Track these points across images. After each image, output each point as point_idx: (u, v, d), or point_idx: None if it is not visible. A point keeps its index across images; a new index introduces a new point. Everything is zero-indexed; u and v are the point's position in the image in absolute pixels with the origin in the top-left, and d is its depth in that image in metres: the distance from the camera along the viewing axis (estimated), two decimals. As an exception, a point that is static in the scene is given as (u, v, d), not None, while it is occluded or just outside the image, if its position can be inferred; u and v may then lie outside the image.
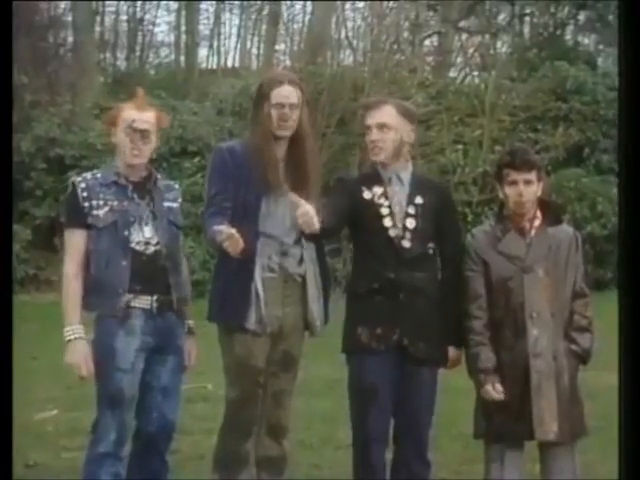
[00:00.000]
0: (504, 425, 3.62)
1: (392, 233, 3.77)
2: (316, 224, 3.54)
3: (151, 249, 3.62)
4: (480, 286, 3.69)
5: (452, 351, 3.82)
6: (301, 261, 3.84)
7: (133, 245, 3.60)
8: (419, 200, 3.82)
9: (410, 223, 3.78)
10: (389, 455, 3.85)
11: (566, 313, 3.70)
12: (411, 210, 3.80)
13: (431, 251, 3.84)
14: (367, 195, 3.81)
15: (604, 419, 5.18)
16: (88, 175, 3.71)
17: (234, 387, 3.83)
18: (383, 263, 3.75)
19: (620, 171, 3.77)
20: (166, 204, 3.73)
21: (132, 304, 3.58)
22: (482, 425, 3.73)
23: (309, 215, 3.53)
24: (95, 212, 3.60)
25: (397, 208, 3.80)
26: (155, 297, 3.61)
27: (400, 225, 3.78)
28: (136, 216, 3.63)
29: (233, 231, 3.48)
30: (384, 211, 3.78)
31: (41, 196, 13.25)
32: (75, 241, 3.64)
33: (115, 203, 3.61)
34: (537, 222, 3.72)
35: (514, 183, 3.64)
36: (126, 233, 3.59)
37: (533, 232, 3.70)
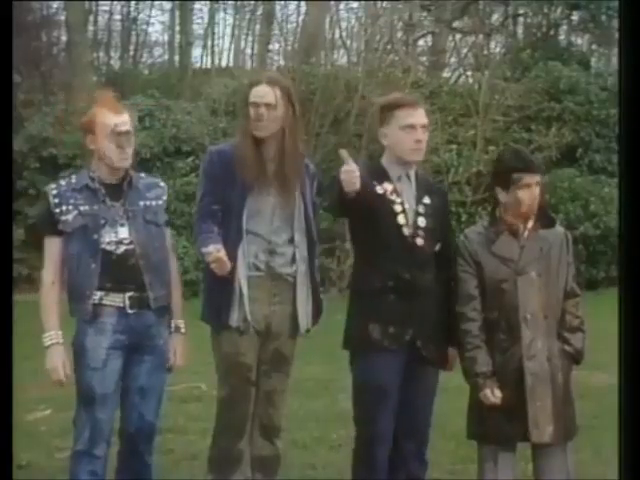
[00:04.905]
0: (498, 426, 3.62)
1: (406, 231, 3.72)
2: (357, 184, 3.43)
3: (122, 248, 3.60)
4: (474, 288, 3.68)
5: (451, 351, 3.82)
6: (293, 261, 3.85)
7: (104, 246, 3.59)
8: (427, 200, 3.79)
9: (421, 222, 3.74)
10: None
11: (558, 314, 3.71)
12: (421, 209, 3.76)
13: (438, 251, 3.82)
14: (380, 190, 3.73)
15: (595, 418, 5.21)
16: (62, 182, 3.72)
17: (224, 385, 3.84)
18: (397, 262, 3.69)
19: (620, 171, 3.79)
20: (143, 203, 3.70)
21: (104, 302, 3.59)
22: (476, 426, 3.73)
23: (353, 174, 3.42)
24: (64, 217, 3.61)
25: (407, 206, 3.75)
26: (128, 295, 3.60)
27: (412, 223, 3.74)
28: (108, 218, 3.61)
29: (221, 254, 3.52)
30: (397, 208, 3.72)
31: (34, 195, 13.20)
32: (50, 248, 3.66)
33: (85, 207, 3.61)
34: (530, 224, 3.72)
35: (528, 186, 3.61)
36: (96, 236, 3.58)
37: (526, 234, 3.70)
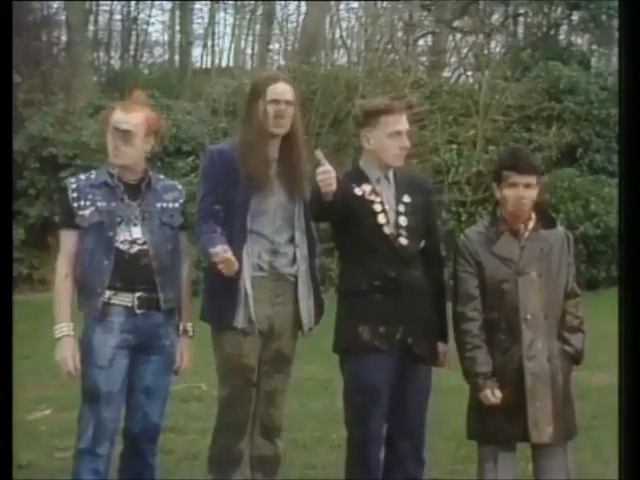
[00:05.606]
0: (498, 426, 3.62)
1: (387, 230, 3.73)
2: (334, 185, 3.44)
3: (135, 248, 3.62)
4: (474, 287, 3.68)
5: (440, 347, 3.83)
6: (294, 260, 3.84)
7: (118, 244, 3.61)
8: (407, 199, 3.80)
9: (403, 221, 3.76)
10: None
11: (559, 314, 3.71)
12: (401, 208, 3.77)
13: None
14: (358, 192, 3.75)
15: (595, 418, 5.21)
16: (82, 176, 3.75)
17: (226, 386, 3.84)
18: (382, 261, 3.70)
19: (620, 171, 3.80)
20: (160, 205, 3.72)
21: (112, 301, 3.60)
22: (475, 426, 3.73)
23: (329, 174, 3.44)
24: (81, 212, 3.64)
25: (387, 206, 3.76)
26: (137, 295, 3.61)
27: (393, 223, 3.75)
28: (124, 216, 3.63)
29: (229, 255, 3.51)
30: (377, 207, 3.74)
31: (34, 195, 13.24)
32: (66, 241, 3.69)
33: (103, 204, 3.63)
34: (531, 224, 3.72)
35: (514, 185, 3.62)
36: (111, 233, 3.60)
37: (527, 234, 3.70)
